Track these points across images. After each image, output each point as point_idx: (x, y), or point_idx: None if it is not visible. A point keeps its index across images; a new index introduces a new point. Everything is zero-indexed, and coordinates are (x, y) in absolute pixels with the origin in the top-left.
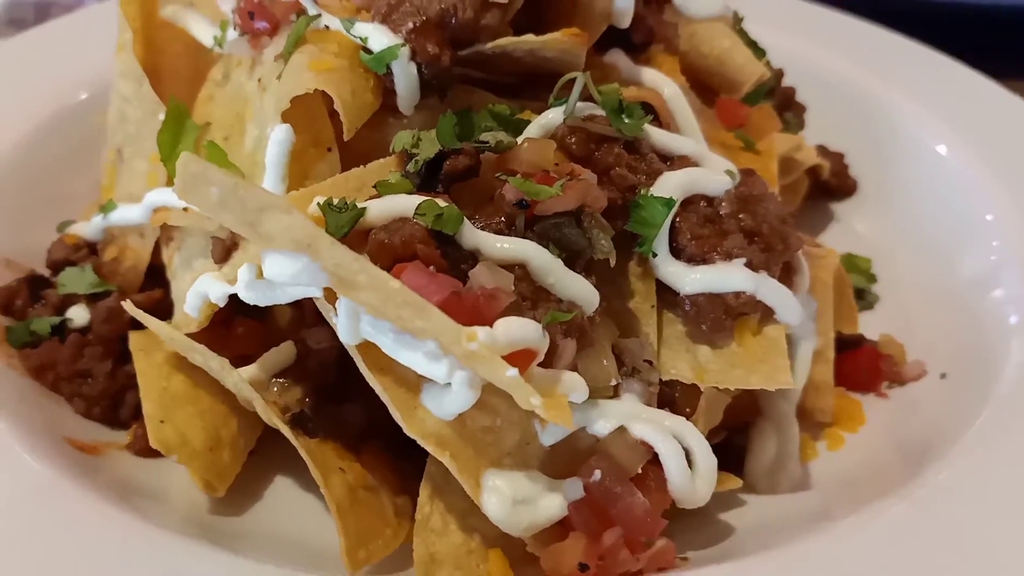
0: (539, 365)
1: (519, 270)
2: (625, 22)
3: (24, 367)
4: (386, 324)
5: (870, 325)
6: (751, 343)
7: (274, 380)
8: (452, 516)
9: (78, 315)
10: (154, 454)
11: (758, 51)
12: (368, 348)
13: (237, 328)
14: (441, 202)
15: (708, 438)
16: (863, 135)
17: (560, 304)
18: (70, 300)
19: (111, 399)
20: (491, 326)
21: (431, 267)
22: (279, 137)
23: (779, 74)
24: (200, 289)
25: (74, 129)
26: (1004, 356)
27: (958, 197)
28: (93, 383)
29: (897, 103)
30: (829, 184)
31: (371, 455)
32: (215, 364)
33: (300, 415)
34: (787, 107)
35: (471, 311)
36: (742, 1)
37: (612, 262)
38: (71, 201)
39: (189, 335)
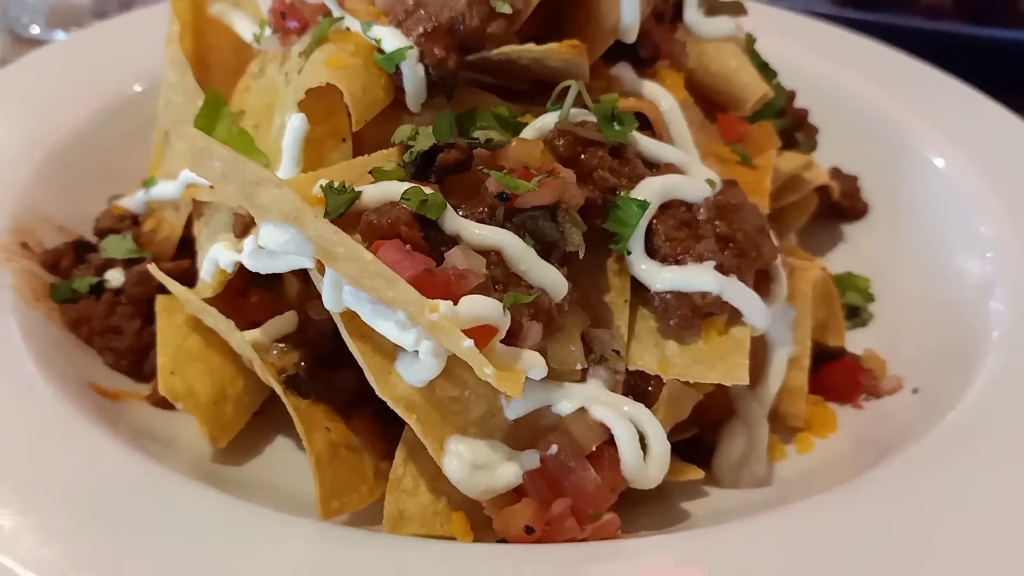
0: (508, 345)
1: (494, 256)
2: (630, 37)
3: (63, 320)
4: (364, 295)
5: (860, 340)
6: (716, 341)
7: (275, 344)
8: (423, 479)
9: (114, 277)
10: (169, 406)
11: (768, 73)
12: (350, 316)
13: (251, 297)
14: (427, 190)
15: (679, 432)
16: (878, 159)
17: (531, 290)
18: (109, 264)
19: (136, 354)
20: (457, 302)
21: (409, 246)
22: (294, 125)
23: (791, 95)
24: (213, 256)
25: (132, 115)
26: (976, 371)
27: (966, 224)
28: (122, 338)
29: (915, 130)
30: (840, 205)
31: (361, 420)
32: (223, 325)
33: (295, 377)
34: (798, 127)
35: (442, 287)
36: (771, 22)
37: (580, 255)
38: (125, 177)
39: (206, 300)
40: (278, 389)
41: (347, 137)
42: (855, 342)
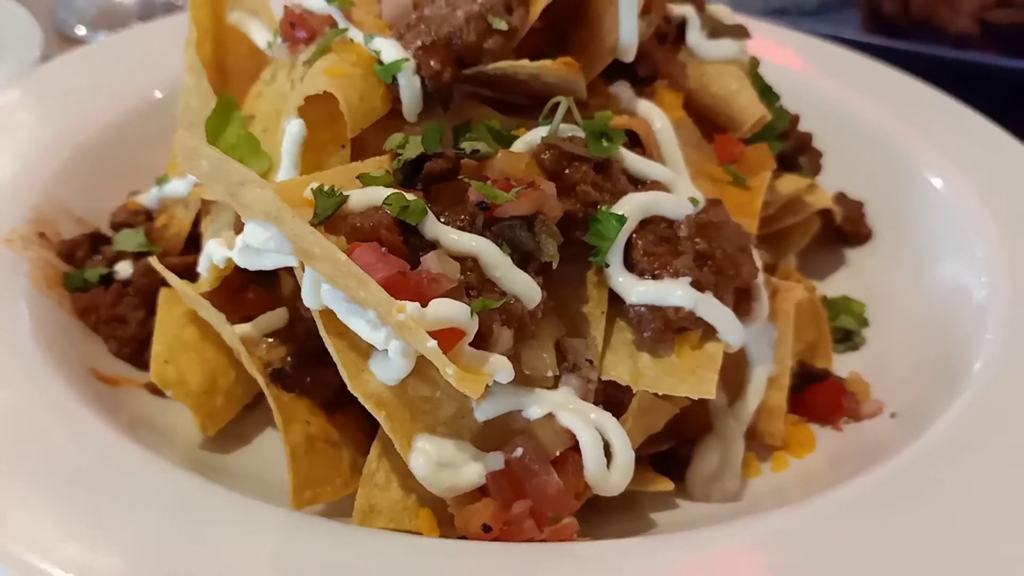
0: (480, 348)
1: (471, 262)
2: (627, 57)
3: (72, 308)
4: (340, 293)
5: (851, 364)
6: (689, 356)
7: (264, 338)
8: (395, 475)
9: (123, 269)
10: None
11: (771, 96)
12: (328, 314)
13: (248, 293)
14: (410, 196)
15: (654, 445)
16: (886, 186)
17: (504, 296)
18: (121, 256)
19: (139, 343)
20: (426, 305)
21: (385, 249)
22: (293, 130)
23: (794, 119)
24: (208, 252)
25: (156, 116)
26: (953, 399)
27: (968, 255)
28: (126, 327)
29: (923, 158)
30: (843, 229)
31: (345, 416)
32: (215, 318)
33: (280, 371)
34: (802, 151)
35: (413, 289)
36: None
37: (554, 265)
38: (146, 175)
39: (205, 294)
40: (261, 381)
41: (346, 143)
42: (846, 365)
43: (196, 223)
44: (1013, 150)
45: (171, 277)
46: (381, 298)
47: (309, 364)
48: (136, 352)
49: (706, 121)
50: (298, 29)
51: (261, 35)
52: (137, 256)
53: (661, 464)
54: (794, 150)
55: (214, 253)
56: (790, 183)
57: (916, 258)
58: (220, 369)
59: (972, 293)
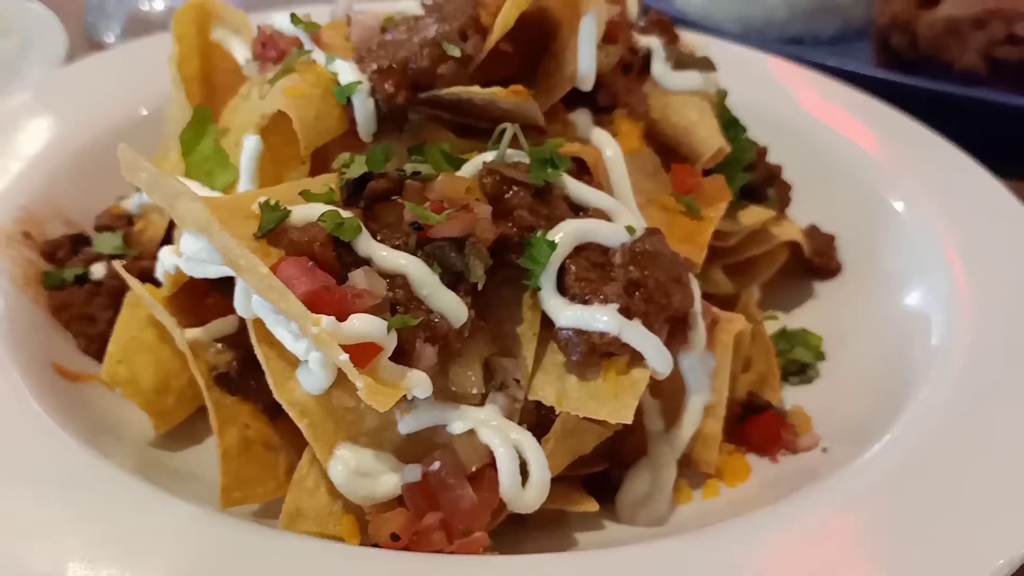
0: (403, 364)
1: (401, 280)
2: (585, 86)
3: (47, 305)
4: (269, 304)
5: (802, 397)
6: (613, 381)
7: (213, 343)
8: (324, 481)
9: (98, 270)
10: None
11: (737, 128)
12: (259, 323)
13: (208, 300)
14: (345, 214)
15: (587, 466)
16: (859, 221)
17: (431, 314)
18: (98, 258)
19: (105, 341)
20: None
21: (313, 264)
22: (249, 145)
23: (762, 151)
24: (161, 258)
25: (151, 126)
26: (880, 436)
27: (933, 297)
28: (95, 326)
29: (900, 196)
30: (813, 262)
31: (288, 422)
32: (168, 322)
33: (225, 375)
34: (770, 183)
35: (337, 304)
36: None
37: (479, 287)
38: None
39: (167, 298)
40: (201, 383)
41: (307, 160)
42: (797, 398)
43: (171, 228)
44: (990, 187)
45: (131, 280)
46: (299, 311)
47: (253, 369)
48: (102, 349)
49: (669, 151)
50: (268, 49)
51: (241, 53)
52: (113, 258)
53: (595, 485)
54: (762, 182)
55: (165, 260)
56: (754, 214)
57: (882, 294)
58: (174, 371)
59: (929, 333)
